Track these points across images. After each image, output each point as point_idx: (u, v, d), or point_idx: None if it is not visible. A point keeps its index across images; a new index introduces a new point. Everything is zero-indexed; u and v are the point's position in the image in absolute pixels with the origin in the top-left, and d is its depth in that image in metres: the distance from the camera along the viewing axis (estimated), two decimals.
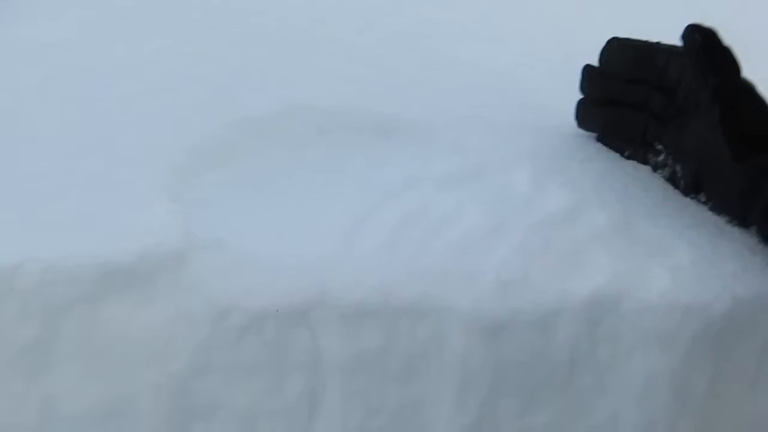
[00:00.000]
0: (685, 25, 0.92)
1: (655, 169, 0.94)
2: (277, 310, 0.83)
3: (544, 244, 0.90)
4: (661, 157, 0.93)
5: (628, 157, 0.96)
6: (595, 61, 1.03)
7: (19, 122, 0.99)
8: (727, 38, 0.91)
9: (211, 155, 0.98)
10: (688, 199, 0.95)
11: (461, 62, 1.25)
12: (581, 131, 1.06)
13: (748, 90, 0.89)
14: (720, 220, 0.93)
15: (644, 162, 0.95)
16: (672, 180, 0.93)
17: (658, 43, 0.95)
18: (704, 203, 0.91)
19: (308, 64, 1.16)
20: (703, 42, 0.89)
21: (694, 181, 0.90)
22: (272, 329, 0.83)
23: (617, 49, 0.97)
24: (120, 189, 0.90)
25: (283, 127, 1.02)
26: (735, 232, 0.92)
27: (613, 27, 1.08)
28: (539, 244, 0.90)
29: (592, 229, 0.93)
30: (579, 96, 1.05)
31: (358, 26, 1.26)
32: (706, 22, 0.92)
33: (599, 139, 0.99)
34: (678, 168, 0.92)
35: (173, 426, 0.83)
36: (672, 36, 0.98)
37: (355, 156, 0.99)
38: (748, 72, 0.89)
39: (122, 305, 0.82)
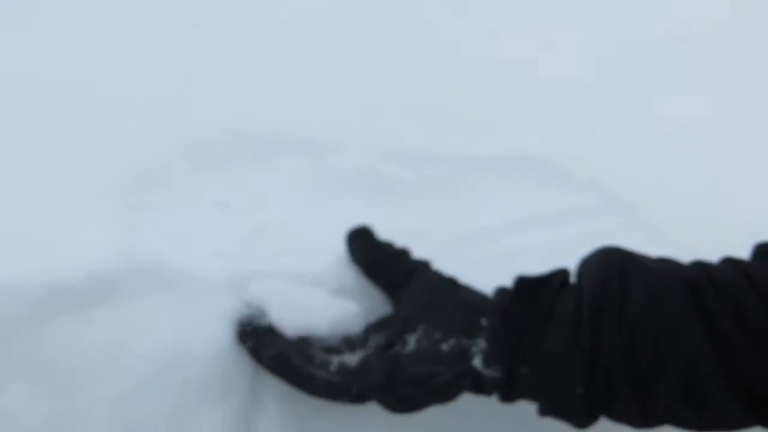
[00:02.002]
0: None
1: None
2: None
3: None
4: None
5: None
6: None
7: None
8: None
9: (151, 177, 1.01)
10: None
11: (388, 84, 1.26)
12: None
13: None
14: None
15: None
16: None
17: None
18: None
19: (242, 88, 1.18)
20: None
21: None
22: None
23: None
24: (64, 209, 0.92)
25: (219, 150, 1.06)
26: None
27: None
28: None
29: None
30: None
31: (290, 49, 1.28)
32: None
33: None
34: None
35: None
36: None
37: (288, 177, 1.02)
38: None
39: (67, 323, 0.82)
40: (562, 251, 0.85)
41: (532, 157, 1.15)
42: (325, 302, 0.87)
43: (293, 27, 1.36)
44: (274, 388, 0.87)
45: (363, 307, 0.87)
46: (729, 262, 0.81)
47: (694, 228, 0.95)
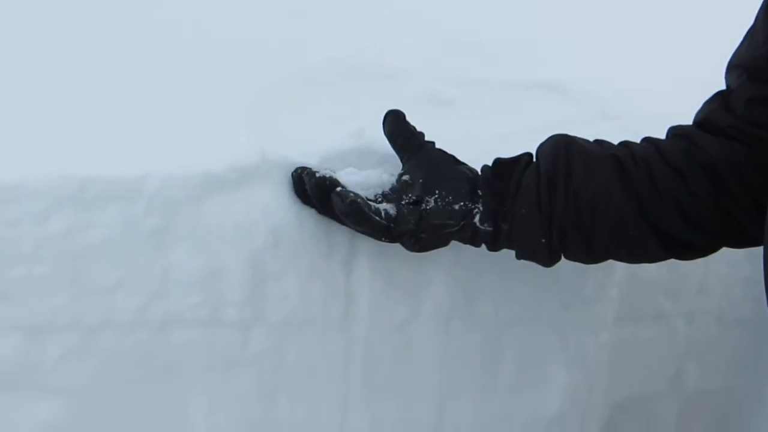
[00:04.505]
0: None
1: None
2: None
3: None
4: None
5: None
6: None
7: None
8: None
9: (275, 96, 1.12)
10: None
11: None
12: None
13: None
14: None
15: None
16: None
17: None
18: None
19: (341, 30, 1.31)
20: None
21: None
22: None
23: None
24: (214, 121, 1.04)
25: (324, 75, 1.19)
26: None
27: None
28: None
29: None
30: None
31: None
32: None
33: None
34: None
35: (253, 284, 0.98)
36: None
37: (374, 96, 1.15)
38: None
39: (216, 201, 0.96)
40: None
41: (545, 80, 1.28)
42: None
43: None
44: (366, 248, 1.02)
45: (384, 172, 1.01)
46: (647, 141, 1.00)
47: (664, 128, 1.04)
